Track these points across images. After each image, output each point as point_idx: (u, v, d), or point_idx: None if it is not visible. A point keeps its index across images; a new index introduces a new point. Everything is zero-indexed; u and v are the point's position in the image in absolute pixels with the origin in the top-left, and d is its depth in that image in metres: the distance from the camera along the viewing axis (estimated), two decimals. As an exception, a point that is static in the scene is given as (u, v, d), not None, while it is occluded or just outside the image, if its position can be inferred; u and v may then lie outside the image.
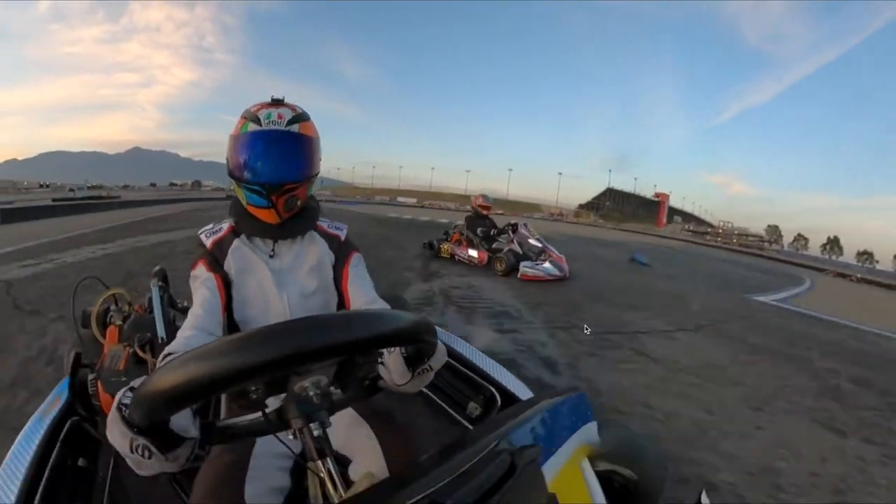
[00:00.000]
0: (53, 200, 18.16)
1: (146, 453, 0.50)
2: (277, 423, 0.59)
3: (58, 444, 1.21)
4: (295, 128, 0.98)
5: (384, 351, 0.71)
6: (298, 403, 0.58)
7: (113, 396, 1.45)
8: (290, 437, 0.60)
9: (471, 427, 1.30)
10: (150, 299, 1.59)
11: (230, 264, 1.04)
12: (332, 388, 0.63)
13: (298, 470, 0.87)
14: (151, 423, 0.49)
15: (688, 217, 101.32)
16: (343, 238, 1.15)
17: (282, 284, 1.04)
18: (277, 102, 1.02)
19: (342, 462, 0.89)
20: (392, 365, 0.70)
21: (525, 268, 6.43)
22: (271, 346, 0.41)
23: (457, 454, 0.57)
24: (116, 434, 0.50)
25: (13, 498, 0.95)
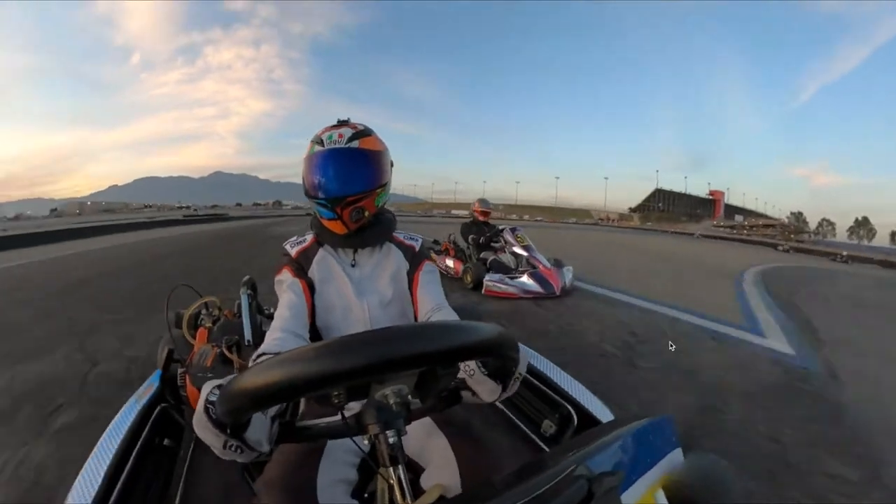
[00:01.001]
0: (184, 216, 22.14)
1: (238, 450, 0.56)
2: (355, 427, 0.61)
3: (148, 425, 1.39)
4: (354, 144, 1.05)
5: (471, 370, 0.70)
6: (377, 410, 0.59)
7: (198, 389, 1.60)
8: (365, 441, 0.61)
9: (544, 446, 1.26)
10: (239, 305, 1.76)
11: (314, 272, 1.11)
12: (410, 398, 0.63)
13: (365, 466, 0.90)
14: (234, 420, 0.54)
15: (749, 213, 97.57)
16: (417, 249, 1.20)
17: (362, 293, 1.10)
18: (341, 123, 1.11)
19: (414, 469, 0.89)
20: (479, 386, 0.70)
21: (490, 281, 5.37)
22: (355, 355, 0.43)
23: (533, 476, 0.56)
24: (210, 436, 0.55)
25: (106, 466, 1.10)
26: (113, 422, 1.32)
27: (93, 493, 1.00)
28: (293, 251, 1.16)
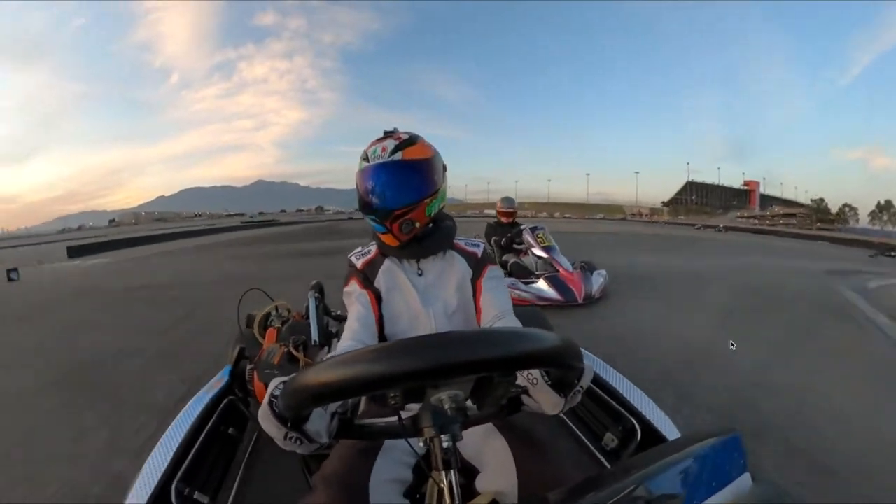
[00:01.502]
0: (241, 222, 26.41)
1: (298, 442, 0.60)
2: (411, 429, 0.61)
3: (215, 415, 1.53)
4: (397, 156, 1.03)
5: (534, 379, 0.69)
6: (433, 414, 0.59)
7: (265, 385, 1.67)
8: (420, 443, 0.61)
9: (604, 460, 1.22)
10: (307, 308, 1.83)
11: (380, 283, 1.13)
12: (468, 404, 0.63)
13: (420, 468, 0.88)
14: (294, 414, 0.57)
15: (786, 203, 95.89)
16: (480, 255, 1.18)
17: (427, 301, 1.10)
18: (387, 135, 1.09)
19: (469, 472, 0.88)
20: (540, 396, 0.68)
21: None
22: (406, 359, 0.44)
23: (589, 492, 0.54)
24: (272, 427, 0.59)
25: (176, 446, 1.23)
26: (184, 409, 1.47)
27: (162, 470, 1.13)
28: (359, 263, 1.17)
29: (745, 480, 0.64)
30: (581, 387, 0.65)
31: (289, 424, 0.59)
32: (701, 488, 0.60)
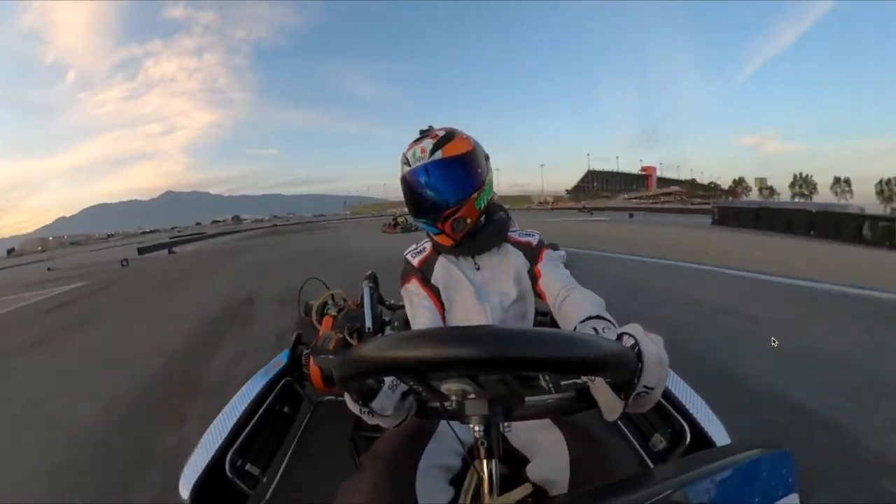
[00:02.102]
0: (170, 238, 27.39)
1: (366, 414, 0.67)
2: (458, 413, 0.61)
3: (273, 393, 1.63)
4: (437, 155, 1.01)
5: (591, 380, 0.66)
6: (476, 402, 0.59)
7: (320, 369, 1.74)
8: (473, 429, 0.60)
9: (649, 461, 1.19)
10: (362, 297, 1.89)
11: (437, 280, 1.13)
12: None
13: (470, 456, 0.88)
14: (344, 385, 0.61)
15: (682, 183, 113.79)
16: (535, 243, 1.15)
17: (483, 296, 1.10)
18: (423, 134, 1.07)
19: (517, 460, 0.89)
20: (599, 398, 0.63)
21: None
22: (432, 347, 0.44)
23: (621, 494, 0.53)
24: (352, 403, 0.67)
25: (234, 420, 1.33)
26: (243, 387, 1.59)
27: (219, 442, 1.24)
28: (415, 261, 1.17)
29: (792, 500, 0.58)
30: (646, 387, 0.56)
31: (360, 401, 0.65)
32: (742, 502, 0.55)
